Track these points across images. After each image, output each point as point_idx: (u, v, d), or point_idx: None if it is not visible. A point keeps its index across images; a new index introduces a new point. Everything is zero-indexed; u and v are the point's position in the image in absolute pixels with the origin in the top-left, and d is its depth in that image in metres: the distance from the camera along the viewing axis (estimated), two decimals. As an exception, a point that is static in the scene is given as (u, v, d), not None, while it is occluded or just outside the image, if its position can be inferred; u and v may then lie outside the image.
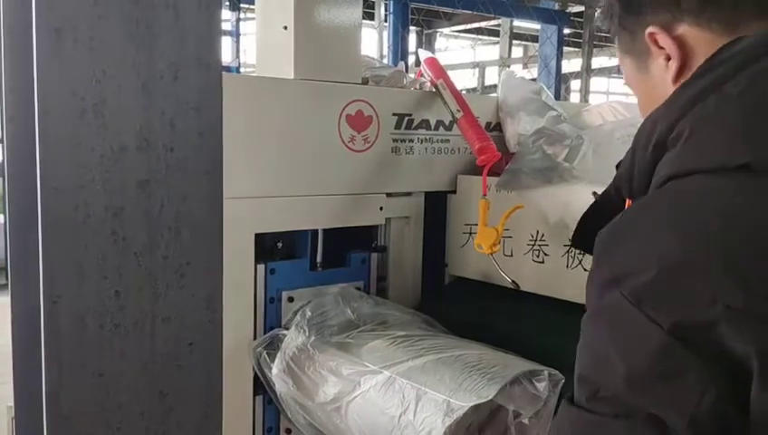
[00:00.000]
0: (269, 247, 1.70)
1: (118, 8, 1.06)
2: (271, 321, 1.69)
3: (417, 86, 1.97)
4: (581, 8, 8.44)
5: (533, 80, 3.47)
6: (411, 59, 7.20)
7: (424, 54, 2.01)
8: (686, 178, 0.73)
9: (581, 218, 1.08)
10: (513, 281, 1.69)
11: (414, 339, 1.55)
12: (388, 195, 1.84)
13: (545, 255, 1.68)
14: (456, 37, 12.65)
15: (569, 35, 9.05)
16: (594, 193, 1.09)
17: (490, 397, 1.29)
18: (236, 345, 1.60)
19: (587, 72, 8.29)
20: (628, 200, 0.92)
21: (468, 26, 10.89)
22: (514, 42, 10.85)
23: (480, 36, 11.58)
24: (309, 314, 1.63)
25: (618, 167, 0.95)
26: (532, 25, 9.62)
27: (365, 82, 1.85)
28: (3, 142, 1.23)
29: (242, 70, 8.17)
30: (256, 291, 1.66)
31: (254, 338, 1.66)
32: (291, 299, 1.71)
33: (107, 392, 1.12)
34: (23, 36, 1.09)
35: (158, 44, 1.09)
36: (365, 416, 1.43)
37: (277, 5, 1.70)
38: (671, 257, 0.68)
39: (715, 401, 0.65)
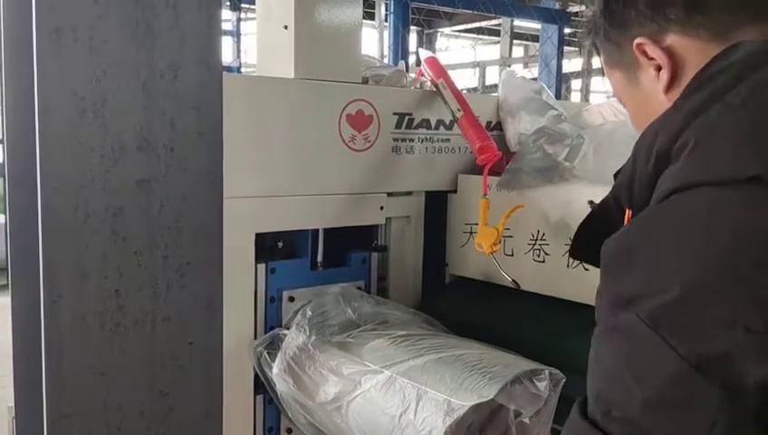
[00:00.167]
0: (269, 247, 1.69)
1: (118, 8, 1.06)
2: (271, 320, 1.69)
3: (418, 85, 1.96)
4: (582, 8, 8.43)
5: (534, 79, 3.46)
6: (412, 59, 7.19)
7: (424, 54, 2.00)
8: (692, 191, 0.71)
9: (579, 228, 1.07)
10: (513, 280, 1.69)
11: (414, 338, 1.54)
12: (389, 194, 1.83)
13: (546, 254, 1.67)
14: (456, 37, 12.65)
15: (569, 35, 9.04)
16: (590, 202, 1.08)
17: (491, 396, 1.29)
18: (237, 345, 1.59)
19: (587, 71, 8.28)
20: (628, 211, 0.90)
21: (469, 26, 10.89)
22: (515, 41, 10.85)
23: (481, 36, 11.58)
24: (309, 313, 1.63)
25: (616, 176, 0.94)
26: (532, 25, 9.61)
27: (365, 81, 1.84)
28: (3, 142, 1.23)
29: (243, 70, 8.17)
30: (257, 290, 1.66)
31: (255, 338, 1.65)
32: (291, 299, 1.70)
33: (107, 392, 1.13)
34: (23, 36, 1.09)
35: (158, 44, 1.09)
36: (366, 415, 1.43)
37: (277, 5, 1.70)
38: (687, 280, 0.67)
39: (729, 426, 0.63)
